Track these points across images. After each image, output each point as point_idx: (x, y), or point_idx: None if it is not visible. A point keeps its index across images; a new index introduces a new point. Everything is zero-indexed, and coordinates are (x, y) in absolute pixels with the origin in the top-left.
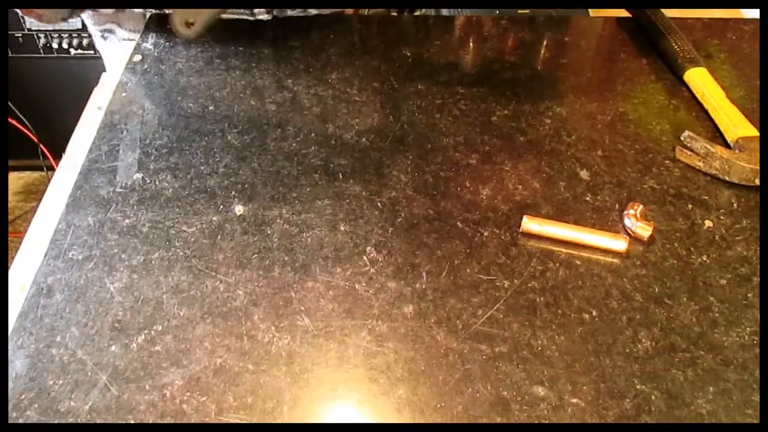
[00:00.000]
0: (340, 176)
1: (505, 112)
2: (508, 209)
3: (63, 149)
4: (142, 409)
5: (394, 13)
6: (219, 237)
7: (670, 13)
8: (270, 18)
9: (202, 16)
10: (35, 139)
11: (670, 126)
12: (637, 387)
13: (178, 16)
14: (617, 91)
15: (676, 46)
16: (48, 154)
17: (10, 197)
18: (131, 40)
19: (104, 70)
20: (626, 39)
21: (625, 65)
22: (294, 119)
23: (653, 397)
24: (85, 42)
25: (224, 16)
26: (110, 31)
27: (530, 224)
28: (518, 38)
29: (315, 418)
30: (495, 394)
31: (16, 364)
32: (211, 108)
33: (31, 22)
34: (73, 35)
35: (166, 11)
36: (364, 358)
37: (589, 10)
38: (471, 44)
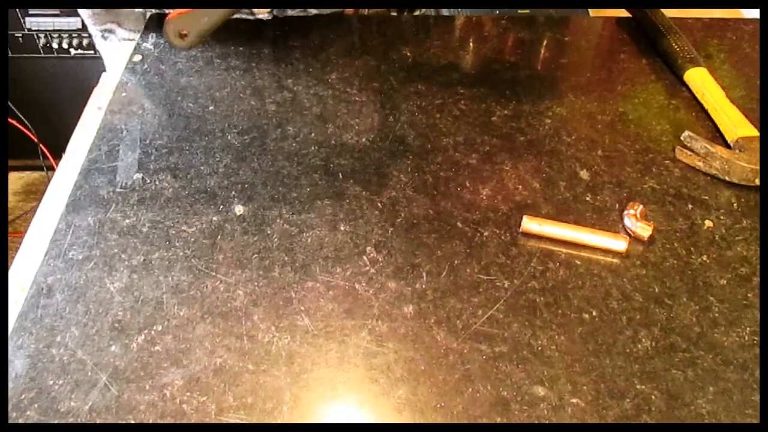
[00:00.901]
0: (340, 176)
1: (505, 112)
2: (508, 209)
3: (63, 149)
4: (142, 409)
5: (394, 13)
6: (219, 237)
7: (670, 13)
8: (270, 18)
9: (195, 27)
10: (35, 139)
11: (670, 126)
12: (637, 387)
13: (171, 27)
14: (617, 91)
15: (676, 46)
16: (48, 154)
17: (10, 197)
18: (131, 40)
19: (104, 70)
20: (626, 39)
21: (625, 65)
22: (294, 119)
23: (653, 397)
24: (85, 42)
25: None
26: (110, 31)
27: (530, 224)
28: (518, 38)
29: (315, 418)
30: (495, 394)
31: (16, 364)
32: (211, 108)
33: (31, 22)
34: (73, 35)
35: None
36: (364, 358)
37: (589, 10)
38: (471, 44)
